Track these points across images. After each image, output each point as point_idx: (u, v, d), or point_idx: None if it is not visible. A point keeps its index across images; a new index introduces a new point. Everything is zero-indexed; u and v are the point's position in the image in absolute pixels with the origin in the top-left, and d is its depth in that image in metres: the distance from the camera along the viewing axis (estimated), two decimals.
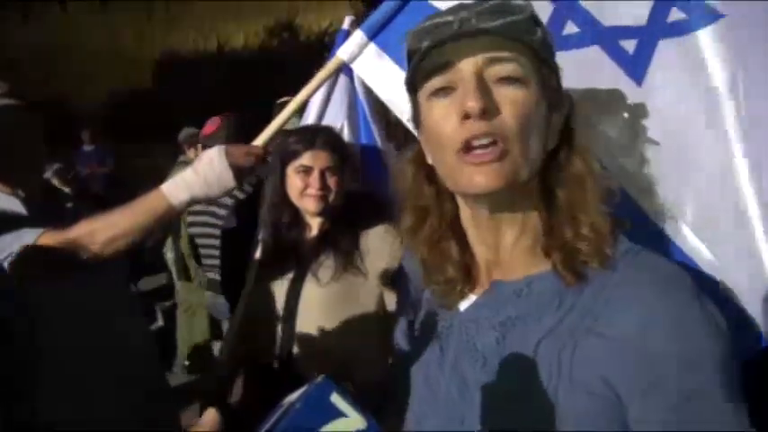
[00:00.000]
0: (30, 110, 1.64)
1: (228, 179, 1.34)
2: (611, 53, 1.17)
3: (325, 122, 1.90)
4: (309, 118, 1.92)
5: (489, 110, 0.72)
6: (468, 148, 0.73)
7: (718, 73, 1.09)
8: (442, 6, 0.84)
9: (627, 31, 1.17)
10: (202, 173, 1.34)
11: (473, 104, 0.71)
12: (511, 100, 0.73)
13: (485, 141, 0.72)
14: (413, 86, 0.83)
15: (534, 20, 0.77)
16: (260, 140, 1.47)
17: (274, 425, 0.61)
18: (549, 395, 0.72)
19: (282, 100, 3.42)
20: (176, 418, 1.90)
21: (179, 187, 1.36)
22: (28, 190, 1.65)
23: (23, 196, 1.63)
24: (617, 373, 0.69)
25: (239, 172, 1.36)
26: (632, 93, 1.13)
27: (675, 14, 1.15)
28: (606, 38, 1.18)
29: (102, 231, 1.38)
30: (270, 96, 3.60)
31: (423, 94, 0.80)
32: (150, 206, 1.37)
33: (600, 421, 0.70)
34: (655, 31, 1.15)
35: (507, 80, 0.74)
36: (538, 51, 0.75)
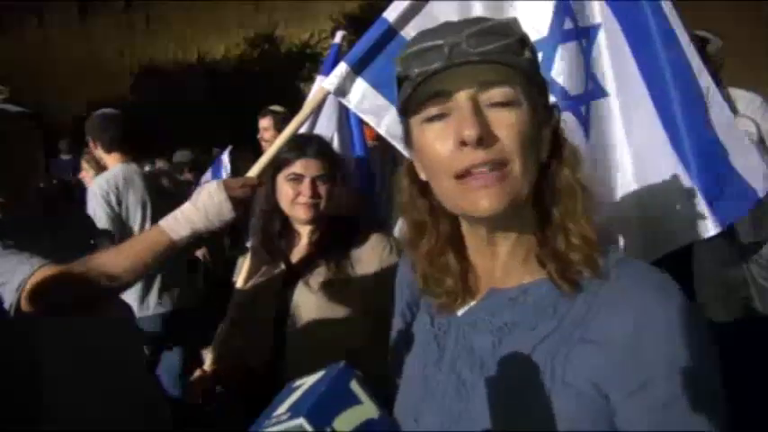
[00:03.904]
0: (29, 117, 1.61)
1: (227, 211, 1.37)
2: (577, 117, 1.43)
3: (315, 133, 1.94)
4: (301, 128, 1.95)
5: (486, 137, 0.74)
6: (467, 173, 0.76)
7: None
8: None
9: (582, 98, 1.47)
10: (203, 207, 1.36)
11: (470, 132, 0.73)
12: (506, 123, 0.75)
13: (483, 169, 0.75)
14: (405, 111, 0.83)
15: (522, 41, 0.79)
16: (253, 172, 1.52)
17: (296, 404, 0.61)
18: (543, 398, 0.75)
19: (273, 108, 3.49)
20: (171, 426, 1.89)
21: (179, 223, 1.37)
22: (25, 198, 1.61)
23: (17, 206, 1.58)
24: (608, 377, 0.72)
25: (237, 203, 1.39)
26: (585, 147, 1.39)
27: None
28: (572, 105, 1.43)
29: (105, 271, 1.36)
30: (250, 107, 3.64)
31: (416, 119, 0.80)
32: (151, 243, 1.37)
33: (589, 424, 0.73)
34: (585, 97, 1.48)
35: (501, 104, 0.75)
36: (528, 73, 0.78)
